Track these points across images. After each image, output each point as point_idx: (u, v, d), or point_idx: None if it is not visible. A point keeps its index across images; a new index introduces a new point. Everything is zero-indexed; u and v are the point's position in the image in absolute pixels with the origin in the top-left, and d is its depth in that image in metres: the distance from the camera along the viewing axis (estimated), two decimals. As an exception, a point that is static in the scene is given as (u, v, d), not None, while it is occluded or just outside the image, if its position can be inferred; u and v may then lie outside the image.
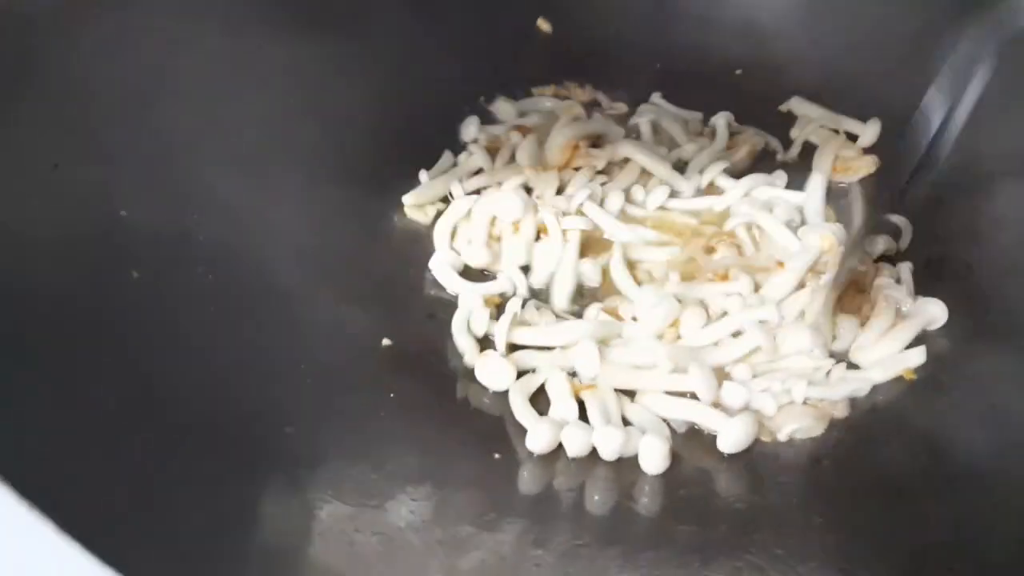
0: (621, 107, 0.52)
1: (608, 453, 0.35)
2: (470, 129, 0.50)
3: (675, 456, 0.36)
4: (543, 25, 0.55)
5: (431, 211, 0.46)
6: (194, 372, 0.32)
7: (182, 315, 0.34)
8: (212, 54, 0.41)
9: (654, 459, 0.34)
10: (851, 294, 0.42)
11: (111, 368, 0.30)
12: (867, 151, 0.50)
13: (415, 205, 0.45)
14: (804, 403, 0.37)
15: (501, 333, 0.39)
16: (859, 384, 0.38)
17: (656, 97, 0.53)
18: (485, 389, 0.38)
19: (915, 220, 0.45)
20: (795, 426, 0.36)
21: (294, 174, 0.42)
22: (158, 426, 0.29)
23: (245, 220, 0.39)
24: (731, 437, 0.35)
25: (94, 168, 0.35)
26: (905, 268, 0.43)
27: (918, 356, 0.39)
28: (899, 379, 0.39)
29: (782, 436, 0.36)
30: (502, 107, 0.51)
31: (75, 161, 0.34)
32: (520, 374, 0.39)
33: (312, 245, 0.41)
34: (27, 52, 0.35)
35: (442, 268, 0.42)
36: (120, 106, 0.37)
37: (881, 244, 0.44)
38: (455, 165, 0.48)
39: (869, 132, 0.50)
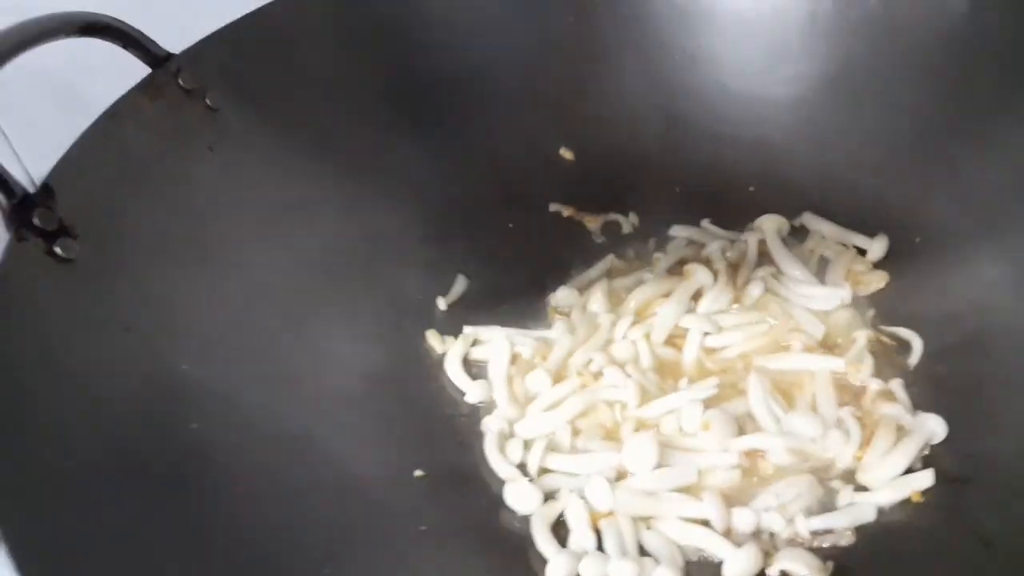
0: (634, 220, 0.56)
1: (623, 584, 0.37)
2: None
3: (689, 583, 0.38)
4: (566, 154, 0.58)
5: (449, 341, 0.49)
6: (237, 506, 0.36)
7: (233, 460, 0.37)
8: (265, 205, 0.47)
9: (667, 590, 0.37)
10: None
11: (168, 512, 0.34)
12: (876, 266, 0.52)
13: (438, 337, 0.49)
14: (810, 535, 0.39)
15: (535, 459, 0.42)
16: (865, 510, 0.40)
17: (706, 223, 0.56)
18: (513, 513, 0.41)
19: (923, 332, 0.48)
20: (787, 566, 0.37)
21: (334, 311, 0.47)
22: (203, 557, 0.33)
23: (289, 359, 0.43)
24: (734, 569, 0.37)
25: (160, 324, 0.39)
26: (897, 384, 0.44)
27: (926, 479, 0.41)
28: (905, 501, 0.41)
29: (772, 572, 0.38)
30: (563, 296, 0.52)
31: (143, 317, 0.38)
32: (546, 496, 0.42)
33: (349, 379, 0.45)
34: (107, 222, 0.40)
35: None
36: (185, 261, 0.42)
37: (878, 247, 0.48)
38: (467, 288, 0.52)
39: (877, 247, 0.52)
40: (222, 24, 0.47)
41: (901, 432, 0.43)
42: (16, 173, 0.37)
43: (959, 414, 0.43)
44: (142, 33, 0.44)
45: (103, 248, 0.38)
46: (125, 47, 0.44)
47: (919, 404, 0.44)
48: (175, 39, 0.45)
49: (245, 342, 0.41)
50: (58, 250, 0.36)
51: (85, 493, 0.33)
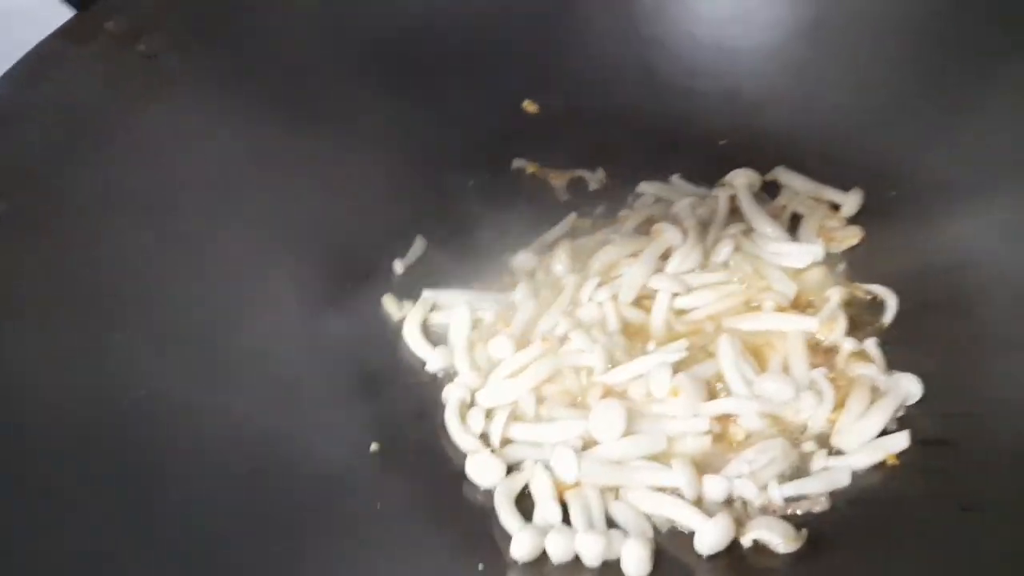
0: (601, 176, 0.53)
1: (590, 559, 0.36)
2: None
3: (661, 555, 0.36)
4: (529, 107, 0.56)
5: (407, 306, 0.47)
6: (182, 482, 0.34)
7: (171, 429, 0.35)
8: (211, 161, 0.44)
9: (636, 564, 0.35)
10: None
11: (100, 479, 0.31)
12: (851, 221, 0.50)
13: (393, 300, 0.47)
14: (784, 502, 0.38)
15: (498, 428, 0.40)
16: (840, 475, 0.38)
17: (675, 179, 0.53)
18: (475, 487, 0.40)
19: (898, 289, 0.46)
20: (760, 535, 0.36)
21: (284, 275, 0.44)
22: (148, 534, 0.31)
23: (235, 325, 0.41)
24: (706, 538, 0.36)
25: (92, 285, 0.36)
26: (871, 344, 0.43)
27: (902, 440, 0.39)
28: (881, 464, 0.39)
29: (745, 541, 0.36)
30: (524, 259, 0.49)
31: (74, 278, 0.36)
32: (509, 467, 0.40)
33: (302, 347, 0.42)
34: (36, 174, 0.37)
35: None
36: (122, 218, 0.39)
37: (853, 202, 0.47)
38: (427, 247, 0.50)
39: (851, 202, 0.50)
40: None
41: (875, 393, 0.41)
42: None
43: (936, 374, 0.42)
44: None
45: (27, 206, 0.35)
46: (45, -10, 0.40)
47: (894, 364, 0.43)
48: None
49: (186, 309, 0.39)
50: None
51: (20, 465, 0.30)
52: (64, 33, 0.39)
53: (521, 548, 0.36)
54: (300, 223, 0.45)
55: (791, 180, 0.52)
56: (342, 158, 0.49)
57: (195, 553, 0.32)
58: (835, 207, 0.51)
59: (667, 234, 0.49)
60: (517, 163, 0.55)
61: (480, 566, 0.35)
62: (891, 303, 0.46)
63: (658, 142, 0.55)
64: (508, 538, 0.36)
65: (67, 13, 0.40)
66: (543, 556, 0.36)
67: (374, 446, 0.40)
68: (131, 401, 0.35)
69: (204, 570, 0.32)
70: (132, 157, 0.41)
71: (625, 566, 0.35)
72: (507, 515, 0.37)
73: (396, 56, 0.51)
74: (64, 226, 0.37)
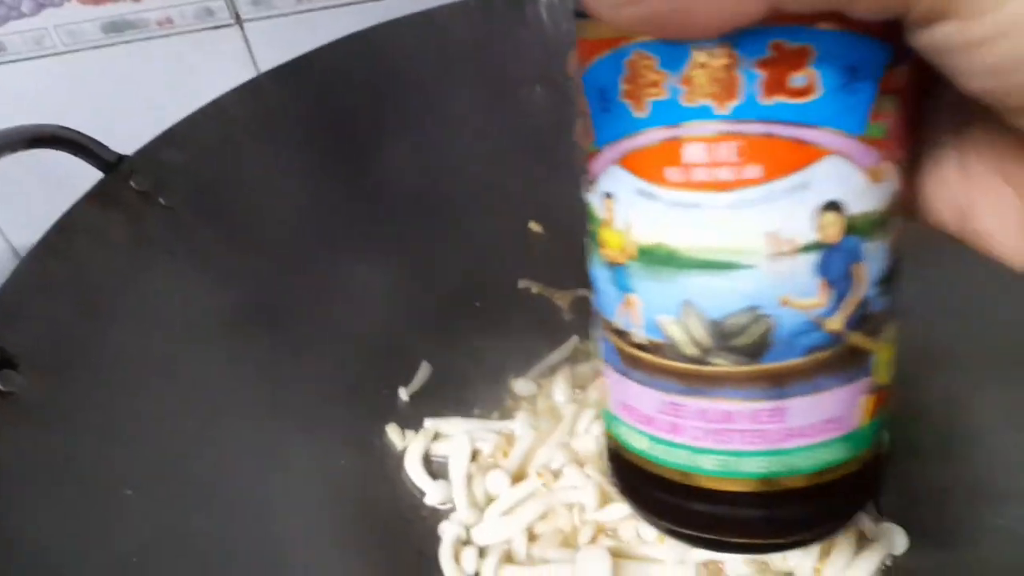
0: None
1: None
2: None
3: None
4: (535, 227, 0.58)
5: (410, 436, 0.49)
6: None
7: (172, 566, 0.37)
8: (222, 312, 0.46)
9: None
10: None
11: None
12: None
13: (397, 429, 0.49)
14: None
15: (488, 572, 0.42)
16: (822, 633, 0.39)
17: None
18: (467, 628, 0.41)
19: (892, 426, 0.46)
20: None
21: (290, 417, 0.46)
22: None
23: (241, 475, 0.43)
24: None
25: (105, 454, 0.39)
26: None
27: (885, 596, 0.40)
28: (864, 621, 0.40)
29: None
30: (523, 387, 0.51)
31: (87, 449, 0.38)
32: (501, 607, 0.42)
33: (307, 486, 0.44)
34: (55, 345, 0.40)
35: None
36: (134, 385, 0.42)
37: None
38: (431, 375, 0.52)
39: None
40: (176, 120, 0.47)
41: (862, 540, 0.42)
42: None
43: (923, 524, 0.42)
44: (91, 139, 0.44)
45: (49, 376, 0.38)
46: (75, 154, 0.44)
47: (884, 505, 0.43)
48: (129, 142, 0.45)
49: (196, 459, 0.41)
50: (-1, 385, 0.36)
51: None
52: (90, 196, 0.43)
53: None
54: (307, 360, 0.48)
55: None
56: (349, 290, 0.51)
57: None
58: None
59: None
60: (523, 283, 0.56)
61: None
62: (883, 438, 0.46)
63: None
64: None
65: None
66: None
67: (373, 588, 0.42)
68: (135, 550, 0.37)
69: None
70: (146, 314, 0.43)
71: None
72: (493, 667, 0.39)
73: (403, 195, 0.53)
74: (78, 391, 0.39)
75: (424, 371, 0.52)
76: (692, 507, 0.25)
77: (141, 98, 0.52)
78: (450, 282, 0.54)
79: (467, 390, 0.51)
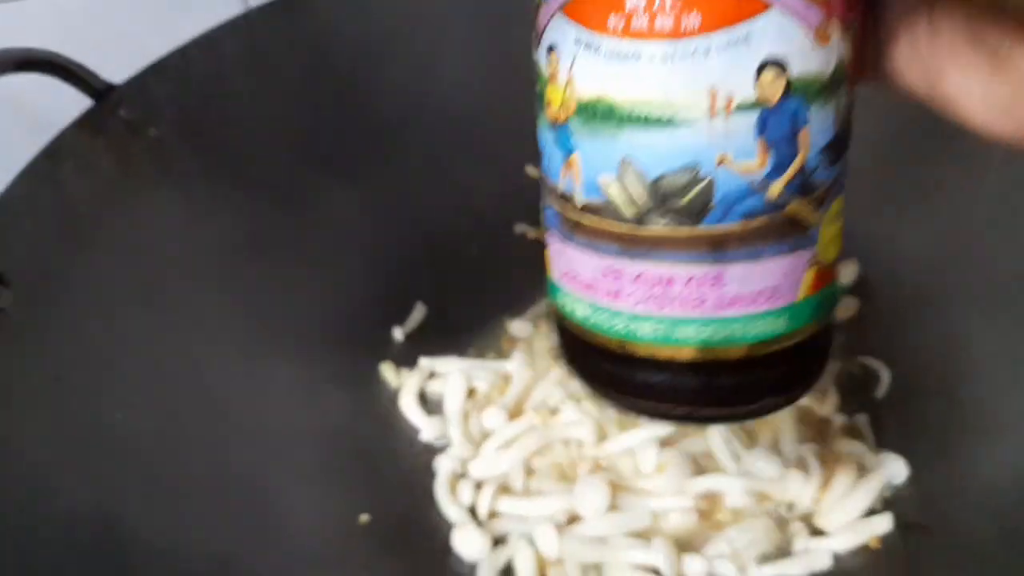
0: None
1: (566, 638, 0.36)
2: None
3: (637, 634, 0.37)
4: (532, 172, 0.57)
5: (404, 375, 0.48)
6: (170, 549, 0.35)
7: (165, 497, 0.37)
8: (214, 244, 0.46)
9: (610, 644, 0.36)
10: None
11: (93, 548, 0.33)
12: (847, 293, 0.50)
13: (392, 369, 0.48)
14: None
15: (484, 502, 0.42)
16: (820, 557, 0.39)
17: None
18: (460, 560, 0.41)
19: (892, 363, 0.46)
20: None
21: (283, 349, 0.45)
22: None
23: (232, 399, 0.42)
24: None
25: (95, 372, 0.38)
26: (862, 420, 0.43)
27: (884, 523, 0.40)
28: (864, 547, 0.39)
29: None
30: (519, 328, 0.50)
31: (79, 370, 0.38)
32: (496, 539, 0.41)
33: (297, 418, 0.44)
34: (43, 266, 0.39)
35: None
36: (125, 305, 0.41)
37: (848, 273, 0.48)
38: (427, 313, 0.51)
39: (846, 274, 0.50)
40: (166, 52, 0.46)
41: (862, 471, 0.42)
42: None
43: (923, 456, 0.42)
44: (81, 66, 0.43)
45: (38, 296, 0.37)
46: (66, 80, 0.43)
47: (883, 442, 0.43)
48: (120, 69, 0.44)
49: (185, 385, 0.41)
50: (-13, 298, 0.36)
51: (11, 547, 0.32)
52: (79, 124, 0.42)
53: (499, 626, 0.37)
54: (300, 295, 0.47)
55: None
56: (343, 228, 0.50)
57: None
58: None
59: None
60: (519, 228, 0.56)
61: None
62: (884, 377, 0.46)
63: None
64: (491, 614, 0.37)
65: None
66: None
67: (363, 518, 0.41)
68: (125, 473, 0.36)
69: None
70: (137, 244, 0.42)
71: (600, 648, 0.36)
72: (489, 592, 0.38)
73: (396, 132, 0.53)
74: (68, 318, 0.38)
75: (419, 312, 0.51)
76: (632, 376, 0.25)
77: (131, 31, 0.52)
78: (445, 226, 0.54)
79: (462, 331, 0.51)
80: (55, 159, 0.41)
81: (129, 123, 0.44)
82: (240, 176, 0.46)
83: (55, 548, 0.32)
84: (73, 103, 0.43)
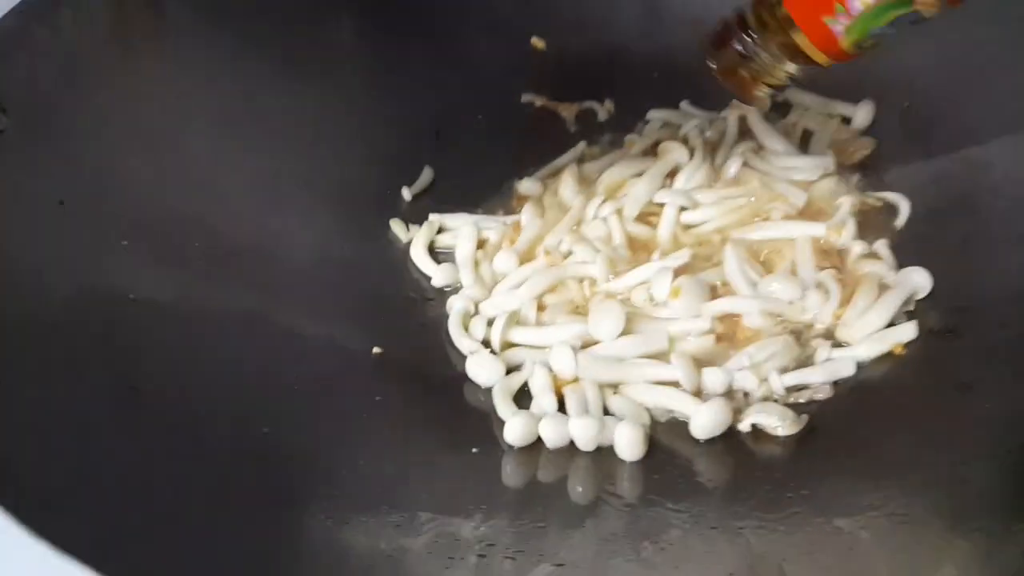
0: (610, 107, 0.54)
1: (584, 443, 0.36)
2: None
3: (657, 444, 0.36)
4: (537, 43, 0.56)
5: (414, 230, 0.47)
6: (185, 379, 0.35)
7: (177, 329, 0.36)
8: (218, 96, 0.45)
9: (629, 445, 0.35)
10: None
11: (103, 378, 0.33)
12: (863, 133, 0.49)
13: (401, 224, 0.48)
14: (785, 391, 0.37)
15: (497, 332, 0.41)
16: (843, 365, 0.38)
17: (685, 104, 0.53)
18: (476, 388, 0.40)
19: (911, 195, 0.45)
20: (759, 420, 0.35)
21: (294, 200, 0.45)
22: (150, 433, 0.32)
23: (246, 244, 0.42)
24: (700, 422, 0.35)
25: (99, 203, 0.38)
26: (881, 245, 0.42)
27: (909, 331, 0.39)
28: (887, 355, 0.38)
29: (743, 427, 0.36)
30: (528, 185, 0.49)
31: (80, 195, 0.37)
32: (510, 369, 0.40)
33: (310, 265, 0.43)
34: (42, 99, 0.39)
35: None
36: (129, 144, 0.41)
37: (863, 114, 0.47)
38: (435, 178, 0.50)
39: (862, 114, 0.49)
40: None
41: (883, 288, 0.41)
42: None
43: (945, 271, 0.41)
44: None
45: (37, 123, 0.37)
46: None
47: (904, 263, 0.42)
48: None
49: (192, 224, 0.40)
50: (-14, 118, 0.36)
51: (17, 374, 0.32)
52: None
53: (513, 432, 0.36)
54: (307, 152, 0.47)
55: (801, 97, 0.52)
56: (349, 93, 0.50)
57: (181, 434, 0.33)
58: (847, 121, 0.50)
59: (673, 153, 0.49)
60: (526, 97, 0.55)
61: (474, 450, 0.36)
62: (903, 208, 0.45)
63: (667, 72, 0.55)
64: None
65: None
66: (538, 444, 0.36)
67: (376, 349, 0.40)
68: (134, 302, 0.36)
69: (204, 457, 0.33)
70: (138, 91, 0.42)
71: (619, 447, 0.35)
72: (503, 405, 0.38)
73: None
74: (70, 147, 0.38)
75: (427, 175, 0.51)
76: None
77: None
78: (451, 95, 0.53)
79: (471, 192, 0.50)
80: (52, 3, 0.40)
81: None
82: (246, 41, 0.46)
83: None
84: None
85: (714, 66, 0.39)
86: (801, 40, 0.36)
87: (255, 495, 0.32)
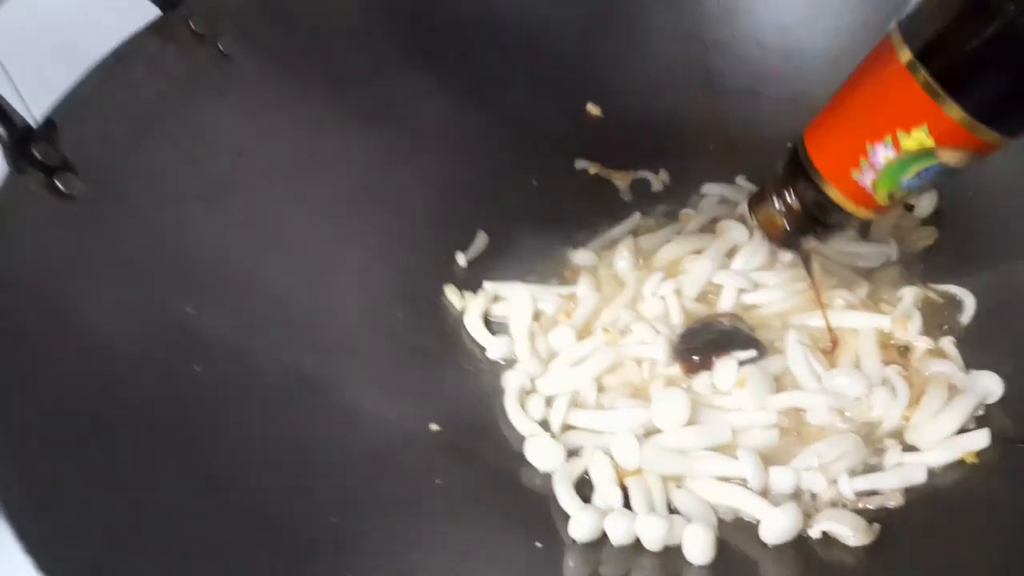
0: (664, 177, 0.53)
1: (651, 542, 0.35)
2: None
3: (724, 546, 0.35)
4: (593, 110, 0.56)
5: (468, 298, 0.47)
6: (245, 455, 0.34)
7: (237, 401, 0.36)
8: (279, 151, 0.45)
9: (699, 549, 0.34)
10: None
11: (168, 451, 0.32)
12: (925, 222, 0.49)
13: (457, 292, 0.47)
14: (855, 496, 0.36)
15: (558, 415, 0.40)
16: (915, 471, 0.37)
17: (741, 180, 0.53)
18: (533, 470, 0.39)
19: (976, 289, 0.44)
20: (830, 528, 0.34)
21: (350, 263, 0.45)
22: (207, 513, 0.31)
23: (303, 308, 0.41)
24: (772, 527, 0.34)
25: (165, 263, 0.37)
26: (947, 342, 0.42)
27: (981, 439, 0.38)
28: (959, 463, 0.38)
29: (813, 533, 0.35)
30: (583, 257, 0.49)
31: (147, 259, 0.37)
32: (569, 453, 0.39)
33: (365, 331, 0.43)
34: (111, 159, 0.38)
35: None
36: (193, 203, 0.40)
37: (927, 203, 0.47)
38: (488, 242, 0.50)
39: (925, 202, 0.49)
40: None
41: (953, 391, 0.40)
42: (19, 109, 0.35)
43: (1016, 374, 0.40)
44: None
45: (106, 186, 0.37)
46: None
47: (972, 364, 0.41)
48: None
49: (254, 288, 0.40)
50: (59, 185, 0.35)
51: (83, 442, 0.31)
52: (150, 29, 0.41)
53: (580, 528, 0.35)
54: (362, 216, 0.46)
55: (862, 182, 0.51)
56: (408, 156, 0.49)
57: (246, 516, 0.32)
58: (909, 208, 0.50)
59: (733, 232, 0.48)
60: (580, 164, 0.55)
61: (538, 544, 0.35)
62: (968, 303, 0.44)
63: (722, 145, 0.55)
64: (566, 520, 0.36)
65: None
66: (601, 539, 0.35)
67: (433, 427, 0.39)
68: (200, 371, 0.35)
69: (250, 535, 0.32)
70: (204, 150, 0.42)
71: (688, 551, 0.34)
72: (566, 496, 0.37)
73: (460, 58, 0.52)
74: (138, 207, 0.38)
75: (481, 240, 0.50)
76: None
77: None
78: (506, 160, 0.53)
79: (525, 260, 0.49)
80: (125, 60, 0.40)
81: (198, 35, 0.43)
82: (307, 84, 0.46)
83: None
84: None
85: (755, 220, 0.40)
86: (834, 194, 0.35)
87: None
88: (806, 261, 0.42)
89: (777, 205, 0.38)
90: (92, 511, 0.29)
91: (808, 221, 0.38)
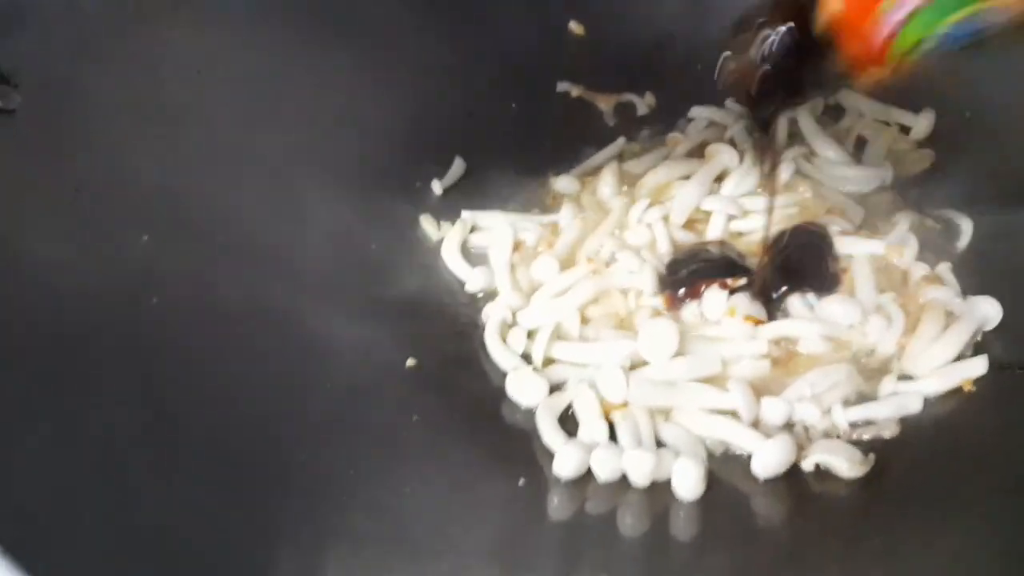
0: (650, 101, 0.51)
1: (639, 478, 0.33)
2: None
3: (712, 479, 0.34)
4: (575, 28, 0.53)
5: (445, 227, 0.45)
6: (208, 391, 0.32)
7: (199, 334, 0.33)
8: (241, 70, 0.42)
9: (689, 484, 0.33)
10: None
11: (123, 387, 0.30)
12: (921, 144, 0.47)
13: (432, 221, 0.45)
14: (849, 426, 0.35)
15: (540, 347, 0.38)
16: (911, 400, 0.36)
17: (730, 102, 0.50)
18: (515, 406, 0.37)
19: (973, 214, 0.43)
20: (824, 460, 0.33)
21: (319, 188, 0.42)
22: (169, 446, 0.29)
23: (269, 236, 0.39)
24: (763, 460, 0.33)
25: (118, 188, 0.35)
26: (944, 269, 0.40)
27: (979, 366, 0.36)
28: (956, 391, 0.36)
29: (806, 465, 0.33)
30: (566, 183, 0.47)
31: (96, 182, 0.34)
32: (552, 388, 0.38)
33: (336, 261, 0.40)
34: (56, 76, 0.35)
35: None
36: (148, 123, 0.37)
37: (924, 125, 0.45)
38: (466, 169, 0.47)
39: (922, 124, 0.47)
40: None
41: (950, 318, 0.38)
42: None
43: (1013, 298, 0.38)
44: None
45: (49, 104, 0.34)
46: None
47: (969, 289, 0.40)
48: None
49: (215, 215, 0.37)
50: (-6, 99, 0.32)
51: (26, 379, 0.29)
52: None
53: (565, 464, 0.33)
54: (333, 137, 0.43)
55: (856, 102, 0.49)
56: (379, 76, 0.46)
57: (214, 454, 0.30)
58: (904, 130, 0.48)
59: (722, 156, 0.46)
60: (562, 86, 0.52)
61: (521, 481, 0.33)
62: (965, 228, 0.43)
63: (711, 66, 0.52)
64: (549, 456, 0.34)
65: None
66: (587, 475, 0.34)
67: (410, 361, 0.38)
68: (156, 302, 0.33)
69: (225, 477, 0.30)
70: (159, 67, 0.39)
71: (677, 486, 0.33)
72: (550, 432, 0.35)
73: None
74: (87, 127, 0.35)
75: (458, 167, 0.47)
76: None
77: None
78: (482, 82, 0.50)
79: (504, 187, 0.47)
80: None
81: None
82: (273, 15, 0.42)
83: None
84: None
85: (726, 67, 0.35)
86: (838, 40, 0.31)
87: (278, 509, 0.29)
88: (769, 129, 0.38)
89: (754, 50, 0.33)
90: (36, 449, 0.27)
91: (785, 80, 0.34)
